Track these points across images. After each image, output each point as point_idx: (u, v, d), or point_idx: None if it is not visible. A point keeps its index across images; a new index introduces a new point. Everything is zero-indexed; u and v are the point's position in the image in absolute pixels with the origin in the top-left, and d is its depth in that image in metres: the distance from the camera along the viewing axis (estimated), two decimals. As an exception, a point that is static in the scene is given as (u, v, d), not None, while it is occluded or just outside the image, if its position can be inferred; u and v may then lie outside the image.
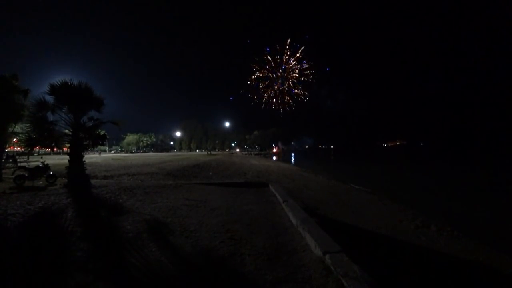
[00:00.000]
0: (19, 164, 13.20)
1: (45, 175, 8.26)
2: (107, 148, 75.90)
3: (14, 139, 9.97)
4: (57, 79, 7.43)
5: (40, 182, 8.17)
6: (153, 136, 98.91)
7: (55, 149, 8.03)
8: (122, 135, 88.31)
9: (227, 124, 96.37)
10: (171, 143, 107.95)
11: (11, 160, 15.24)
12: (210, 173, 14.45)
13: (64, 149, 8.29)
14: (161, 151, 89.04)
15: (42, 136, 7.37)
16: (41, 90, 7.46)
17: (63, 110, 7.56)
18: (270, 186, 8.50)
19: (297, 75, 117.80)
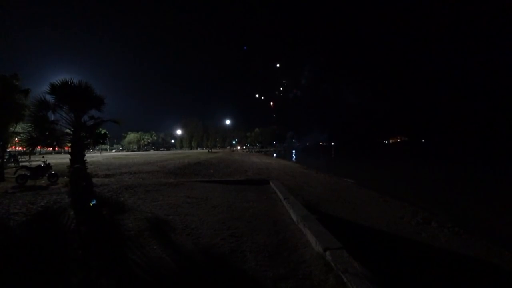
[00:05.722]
0: (21, 164, 13.27)
1: (46, 174, 8.30)
2: (108, 147, 76.04)
3: (16, 139, 10.01)
4: (58, 79, 7.42)
5: (42, 181, 8.22)
6: (154, 134, 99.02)
7: (56, 148, 8.05)
8: (123, 134, 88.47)
9: (227, 121, 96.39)
10: (172, 141, 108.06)
11: (12, 160, 15.31)
12: (211, 170, 14.48)
13: (66, 148, 8.31)
14: (162, 150, 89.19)
15: (43, 135, 7.38)
16: (41, 89, 7.47)
17: (64, 109, 7.56)
18: (271, 183, 8.51)
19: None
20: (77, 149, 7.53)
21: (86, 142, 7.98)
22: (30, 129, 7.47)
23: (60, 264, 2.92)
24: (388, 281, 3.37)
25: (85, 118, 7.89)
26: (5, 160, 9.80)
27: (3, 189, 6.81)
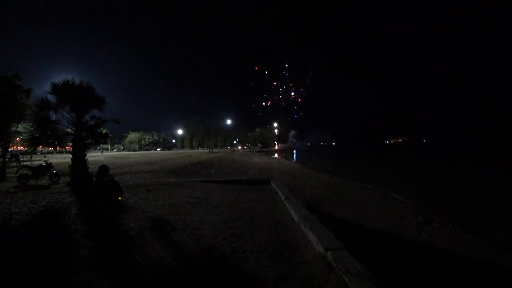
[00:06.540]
0: (22, 163, 13.30)
1: (48, 174, 8.32)
2: (109, 146, 76.20)
3: (17, 139, 10.04)
4: (59, 78, 7.45)
5: (44, 181, 8.24)
6: (155, 134, 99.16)
7: (57, 148, 8.08)
8: (124, 134, 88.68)
9: (228, 121, 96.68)
10: (173, 141, 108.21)
11: (14, 160, 15.33)
12: (212, 170, 14.47)
13: (67, 148, 8.34)
14: (160, 149, 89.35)
15: (45, 135, 7.41)
16: (43, 89, 7.49)
17: (65, 109, 7.59)
18: (272, 183, 8.51)
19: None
20: (79, 149, 7.56)
21: (87, 141, 8.01)
22: (32, 128, 7.50)
23: (61, 263, 2.93)
24: (389, 281, 3.36)
25: (86, 118, 7.92)
26: (6, 159, 9.82)
27: (4, 189, 6.83)
